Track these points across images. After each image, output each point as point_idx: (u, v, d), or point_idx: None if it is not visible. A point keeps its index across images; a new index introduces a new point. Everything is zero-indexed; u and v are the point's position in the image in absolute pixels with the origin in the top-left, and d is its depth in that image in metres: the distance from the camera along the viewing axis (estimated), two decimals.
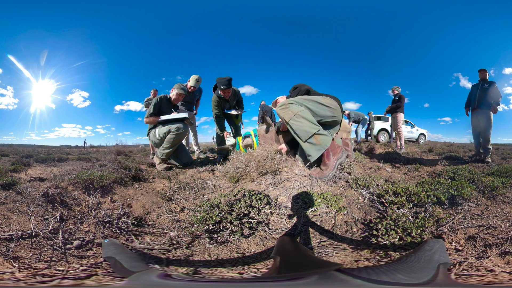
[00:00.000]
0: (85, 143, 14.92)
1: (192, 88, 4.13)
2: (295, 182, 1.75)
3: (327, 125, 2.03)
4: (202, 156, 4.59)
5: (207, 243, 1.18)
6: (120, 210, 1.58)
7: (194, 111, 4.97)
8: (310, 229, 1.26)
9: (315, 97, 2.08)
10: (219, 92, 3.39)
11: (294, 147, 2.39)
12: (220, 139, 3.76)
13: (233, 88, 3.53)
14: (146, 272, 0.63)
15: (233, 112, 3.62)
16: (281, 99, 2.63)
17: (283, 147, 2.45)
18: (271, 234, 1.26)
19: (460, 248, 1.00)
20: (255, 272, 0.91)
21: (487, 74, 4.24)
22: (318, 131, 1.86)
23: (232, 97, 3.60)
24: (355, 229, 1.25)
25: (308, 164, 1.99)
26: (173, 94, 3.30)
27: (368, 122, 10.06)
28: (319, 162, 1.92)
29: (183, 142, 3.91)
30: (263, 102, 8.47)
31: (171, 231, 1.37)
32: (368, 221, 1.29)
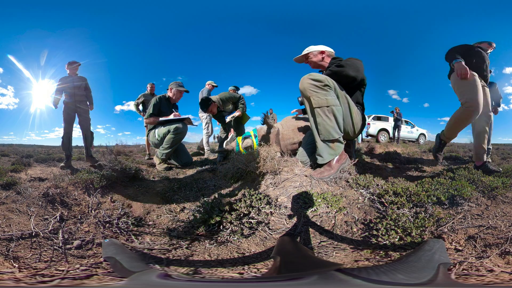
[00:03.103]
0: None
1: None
2: (295, 182, 1.75)
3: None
4: (212, 156, 4.55)
5: (207, 243, 1.18)
6: (120, 210, 1.58)
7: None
8: (310, 229, 1.26)
9: (352, 104, 1.81)
10: None
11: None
12: (222, 141, 3.82)
13: (218, 98, 3.66)
14: (146, 272, 0.63)
15: (227, 119, 3.70)
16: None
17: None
18: (271, 234, 1.26)
19: (460, 248, 1.00)
20: (255, 272, 0.91)
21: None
22: (339, 138, 1.76)
23: (225, 104, 3.70)
24: (355, 229, 1.25)
25: (309, 164, 1.98)
26: (172, 93, 3.30)
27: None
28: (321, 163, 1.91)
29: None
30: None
31: (171, 231, 1.37)
32: (368, 221, 1.29)
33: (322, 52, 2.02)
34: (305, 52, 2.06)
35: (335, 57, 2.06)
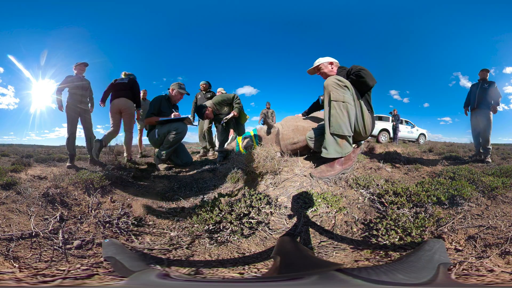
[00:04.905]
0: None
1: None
2: (295, 182, 1.75)
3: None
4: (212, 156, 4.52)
5: (207, 243, 1.18)
6: (120, 210, 1.58)
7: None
8: (310, 229, 1.26)
9: (364, 108, 1.95)
10: None
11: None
12: (222, 141, 3.85)
13: (212, 102, 3.73)
14: (146, 272, 0.63)
15: (223, 121, 3.72)
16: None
17: None
18: (271, 234, 1.26)
19: (460, 248, 1.00)
20: (255, 272, 0.91)
21: (487, 74, 4.22)
22: (349, 137, 1.82)
23: (220, 107, 3.73)
24: (355, 229, 1.25)
25: (314, 140, 2.07)
26: (173, 93, 3.31)
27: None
28: (324, 160, 1.91)
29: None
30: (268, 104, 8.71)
31: (171, 231, 1.37)
32: (368, 221, 1.29)
33: (331, 63, 2.26)
34: (316, 64, 2.29)
35: (340, 67, 2.26)
